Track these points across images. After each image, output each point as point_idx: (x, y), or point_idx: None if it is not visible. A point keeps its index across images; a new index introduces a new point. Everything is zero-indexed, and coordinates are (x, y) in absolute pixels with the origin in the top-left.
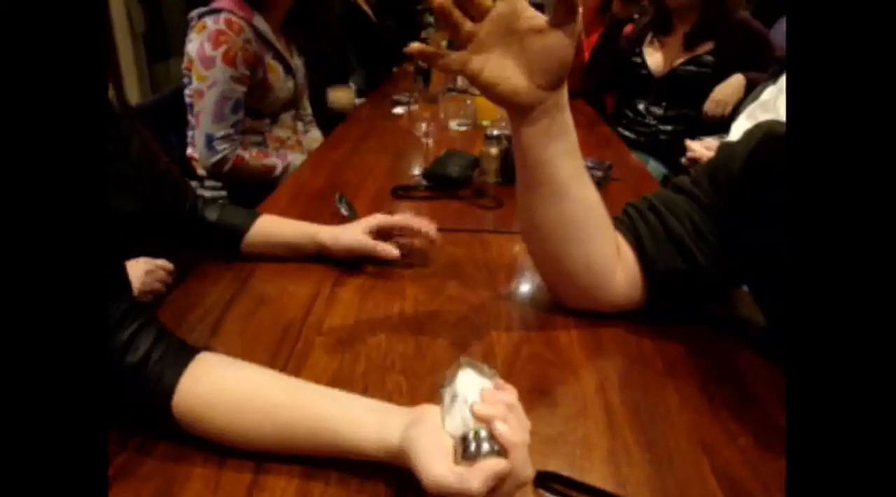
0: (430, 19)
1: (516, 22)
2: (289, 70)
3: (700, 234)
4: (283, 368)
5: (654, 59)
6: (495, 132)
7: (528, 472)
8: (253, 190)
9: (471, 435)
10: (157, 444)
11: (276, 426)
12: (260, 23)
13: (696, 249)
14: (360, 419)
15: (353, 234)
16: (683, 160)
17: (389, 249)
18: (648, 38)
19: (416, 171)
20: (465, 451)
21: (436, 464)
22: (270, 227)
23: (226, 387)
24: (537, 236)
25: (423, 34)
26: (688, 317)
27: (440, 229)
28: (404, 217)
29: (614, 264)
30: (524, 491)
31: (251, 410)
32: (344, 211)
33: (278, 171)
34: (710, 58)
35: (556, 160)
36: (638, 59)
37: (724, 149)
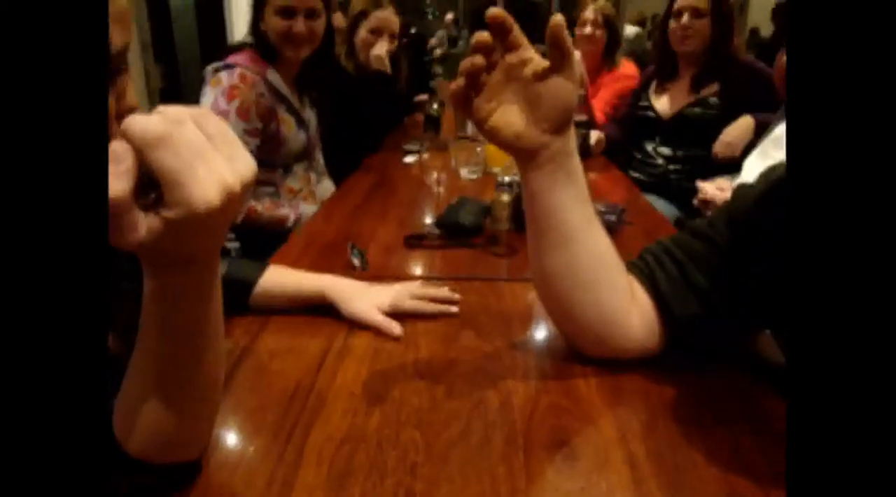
0: (439, 69)
1: (522, 69)
2: (301, 122)
3: (718, 279)
4: (295, 424)
5: (660, 102)
6: (507, 179)
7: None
8: (266, 240)
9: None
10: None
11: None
12: (273, 76)
13: (715, 295)
14: None
15: (362, 306)
16: (695, 201)
17: (391, 329)
18: (653, 85)
19: (429, 219)
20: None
21: None
22: (280, 278)
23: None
24: (548, 284)
25: (432, 83)
26: (710, 363)
27: (453, 278)
28: (420, 304)
29: (628, 312)
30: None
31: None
32: (356, 262)
33: (291, 221)
34: (715, 99)
35: (564, 206)
36: (644, 103)
37: (740, 191)
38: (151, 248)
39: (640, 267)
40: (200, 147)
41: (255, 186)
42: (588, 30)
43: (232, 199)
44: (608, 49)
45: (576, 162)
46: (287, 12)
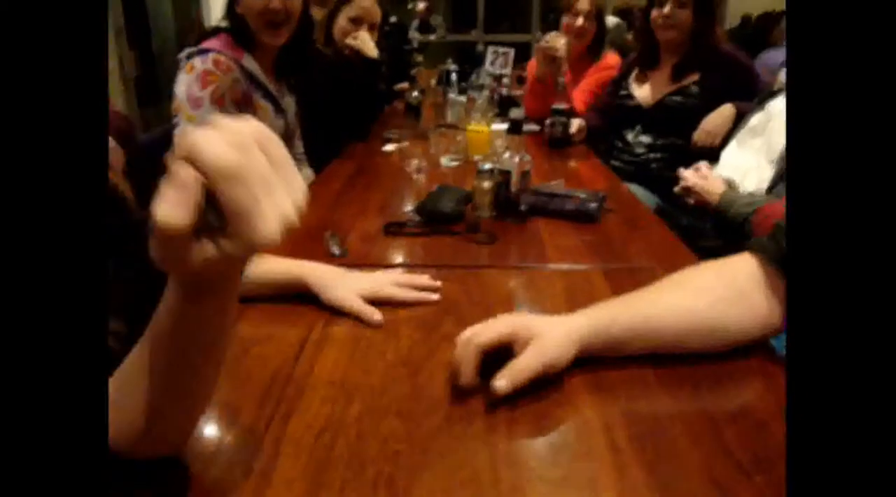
0: (419, 58)
1: None
2: (279, 109)
3: None
4: (274, 413)
5: (641, 91)
6: (487, 166)
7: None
8: None
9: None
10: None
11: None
12: (249, 62)
13: None
14: None
15: (342, 292)
16: (677, 189)
17: (371, 317)
18: (634, 73)
19: (409, 207)
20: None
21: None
22: (259, 265)
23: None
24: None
25: (413, 72)
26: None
27: (434, 265)
28: (400, 291)
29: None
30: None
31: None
32: (335, 250)
33: None
34: (695, 88)
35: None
36: (625, 92)
37: None
38: (198, 274)
39: (767, 246)
40: (268, 179)
41: None
42: (580, 22)
43: (289, 231)
44: (594, 42)
45: None
46: None
